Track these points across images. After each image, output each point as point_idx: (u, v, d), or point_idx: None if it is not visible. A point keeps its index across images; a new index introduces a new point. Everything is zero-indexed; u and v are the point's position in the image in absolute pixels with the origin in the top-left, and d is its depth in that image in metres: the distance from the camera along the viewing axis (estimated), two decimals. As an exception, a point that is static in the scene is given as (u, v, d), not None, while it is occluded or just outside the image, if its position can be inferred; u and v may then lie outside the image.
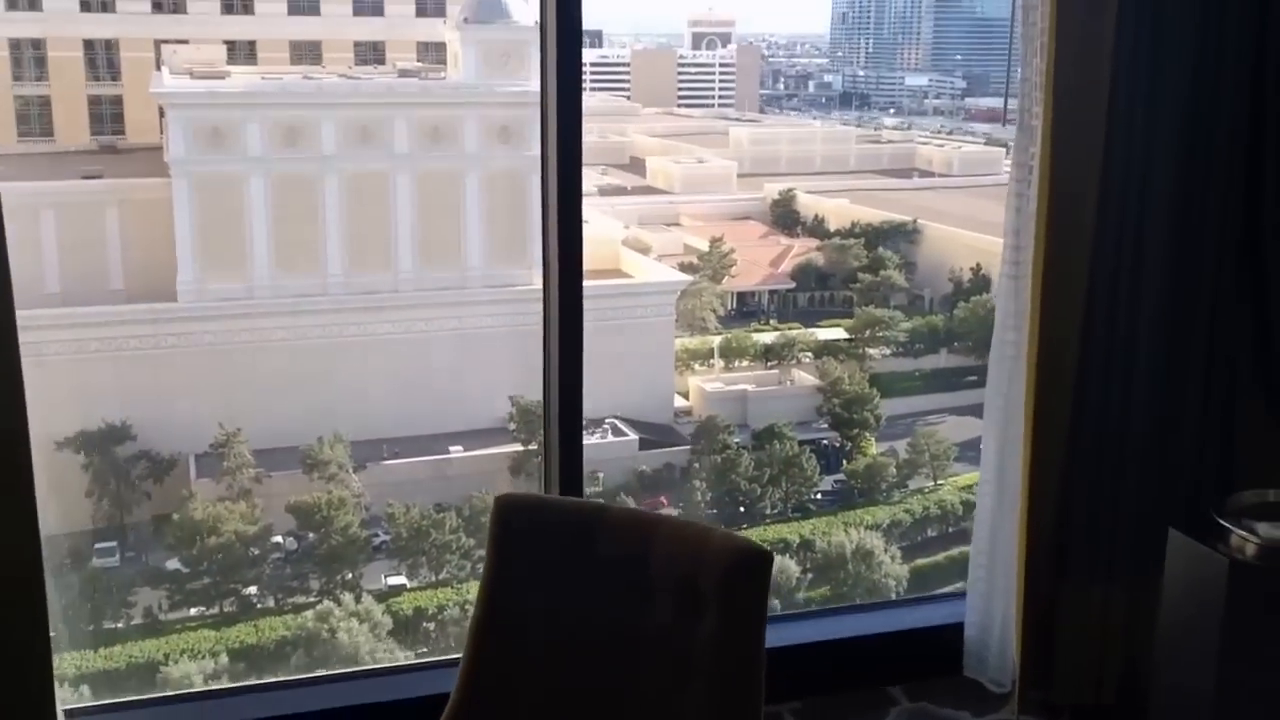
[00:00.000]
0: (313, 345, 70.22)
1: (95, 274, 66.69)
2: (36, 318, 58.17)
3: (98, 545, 61.62)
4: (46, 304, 61.81)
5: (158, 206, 66.88)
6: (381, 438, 69.08)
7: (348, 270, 70.89)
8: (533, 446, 66.42)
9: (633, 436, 75.29)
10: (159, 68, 73.54)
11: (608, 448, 73.98)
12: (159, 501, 63.40)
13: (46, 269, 64.00)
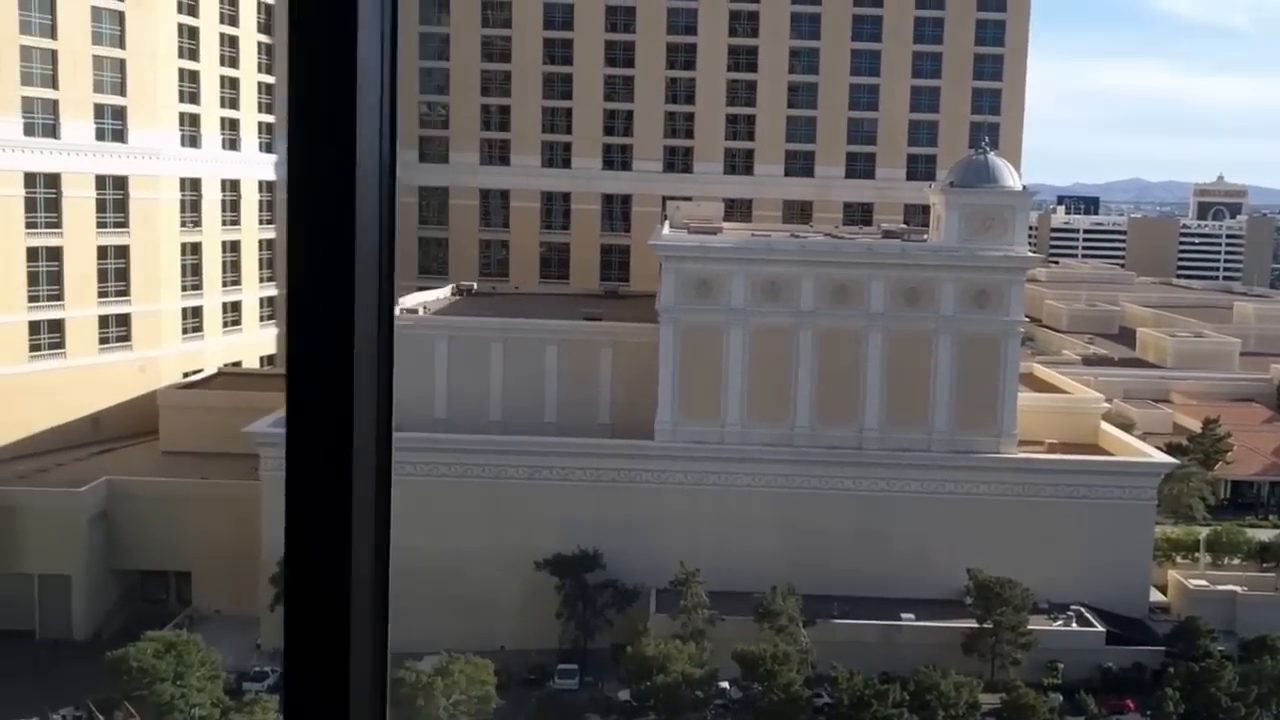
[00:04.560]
0: (776, 493, 72.08)
1: (586, 407, 72.96)
2: (534, 443, 63.67)
3: (560, 666, 66.11)
4: (544, 432, 68.02)
5: (645, 350, 72.55)
6: (833, 594, 69.07)
7: (814, 423, 72.85)
8: (988, 625, 63.49)
9: (1099, 629, 70.44)
10: (663, 222, 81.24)
11: (1070, 637, 69.76)
12: (619, 630, 67.06)
13: (547, 400, 70.67)
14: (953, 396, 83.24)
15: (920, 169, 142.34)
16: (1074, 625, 78.26)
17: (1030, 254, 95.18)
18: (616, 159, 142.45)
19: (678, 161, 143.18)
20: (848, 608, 78.85)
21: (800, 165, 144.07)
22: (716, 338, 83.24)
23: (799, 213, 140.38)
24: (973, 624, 75.81)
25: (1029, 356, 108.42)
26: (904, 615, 78.80)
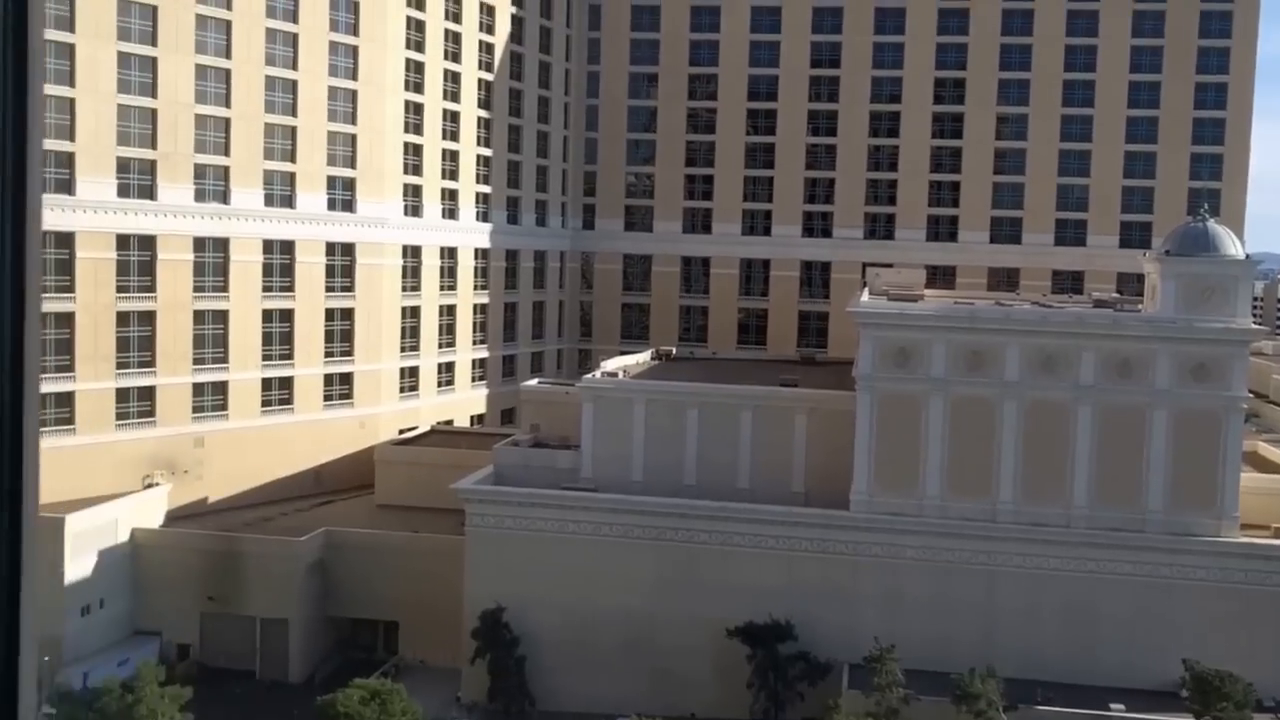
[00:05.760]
0: (977, 570, 70.97)
1: (780, 474, 73.29)
2: (728, 509, 64.30)
3: (749, 738, 62.05)
4: (738, 498, 68.58)
5: (841, 418, 72.84)
6: (1036, 679, 67.11)
7: (1019, 498, 71.44)
8: (1206, 720, 57.09)
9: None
10: (862, 288, 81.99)
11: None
12: (811, 704, 66.85)
13: (740, 466, 71.39)
14: (1168, 475, 79.39)
15: (1135, 236, 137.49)
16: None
17: (1255, 326, 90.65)
18: (817, 226, 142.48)
19: (879, 228, 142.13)
20: (1051, 694, 75.59)
21: (1007, 232, 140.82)
22: (916, 407, 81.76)
23: (1005, 280, 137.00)
24: (1189, 719, 72.24)
25: (1254, 435, 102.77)
26: (1113, 705, 75.23)
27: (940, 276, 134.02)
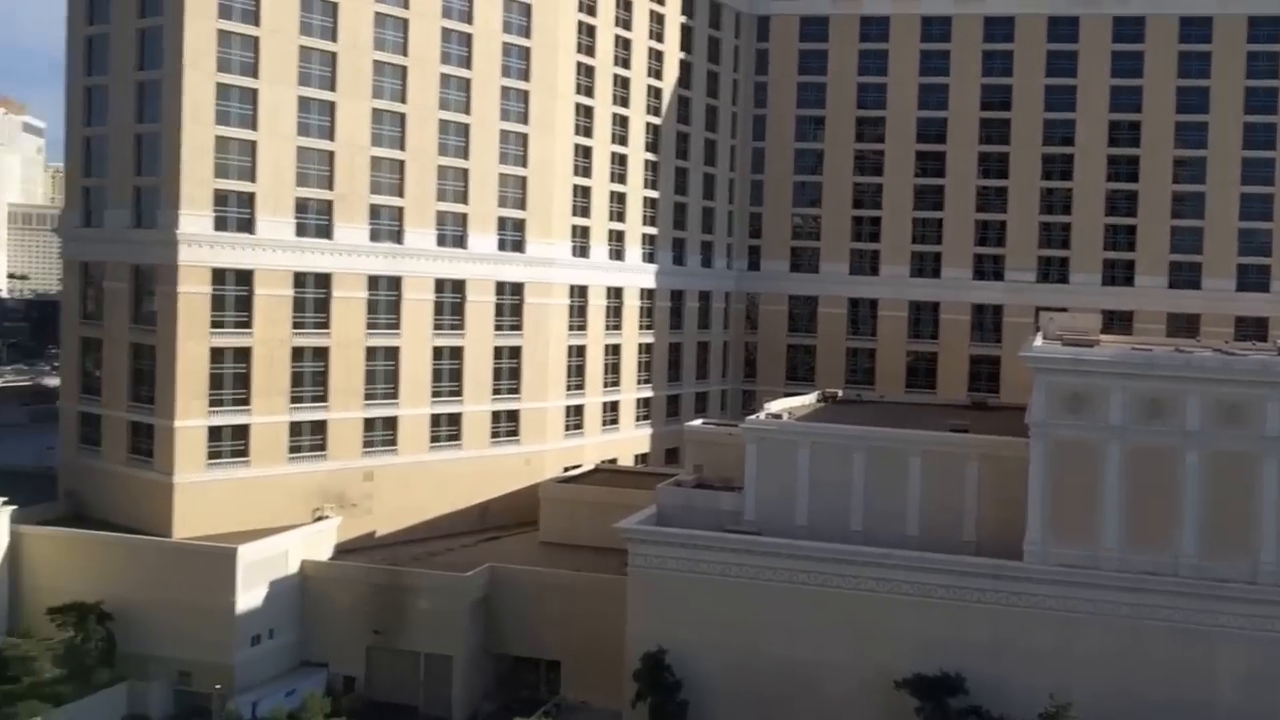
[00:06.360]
0: (1158, 626, 68.14)
1: (950, 522, 71.91)
2: (895, 556, 63.42)
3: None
4: (905, 545, 67.58)
5: (1014, 465, 70.89)
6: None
7: (1201, 553, 68.57)
8: None
9: None
10: (1035, 333, 79.80)
11: None
12: (985, 762, 59.42)
13: (909, 512, 70.30)
14: (1366, 532, 74.80)
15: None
16: None
17: None
18: (988, 269, 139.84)
19: (1052, 272, 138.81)
20: (1238, 759, 72.39)
21: (1185, 277, 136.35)
22: (1092, 455, 78.56)
23: (1184, 326, 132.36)
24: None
25: None
26: (1305, 773, 71.43)
27: (1116, 322, 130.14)
